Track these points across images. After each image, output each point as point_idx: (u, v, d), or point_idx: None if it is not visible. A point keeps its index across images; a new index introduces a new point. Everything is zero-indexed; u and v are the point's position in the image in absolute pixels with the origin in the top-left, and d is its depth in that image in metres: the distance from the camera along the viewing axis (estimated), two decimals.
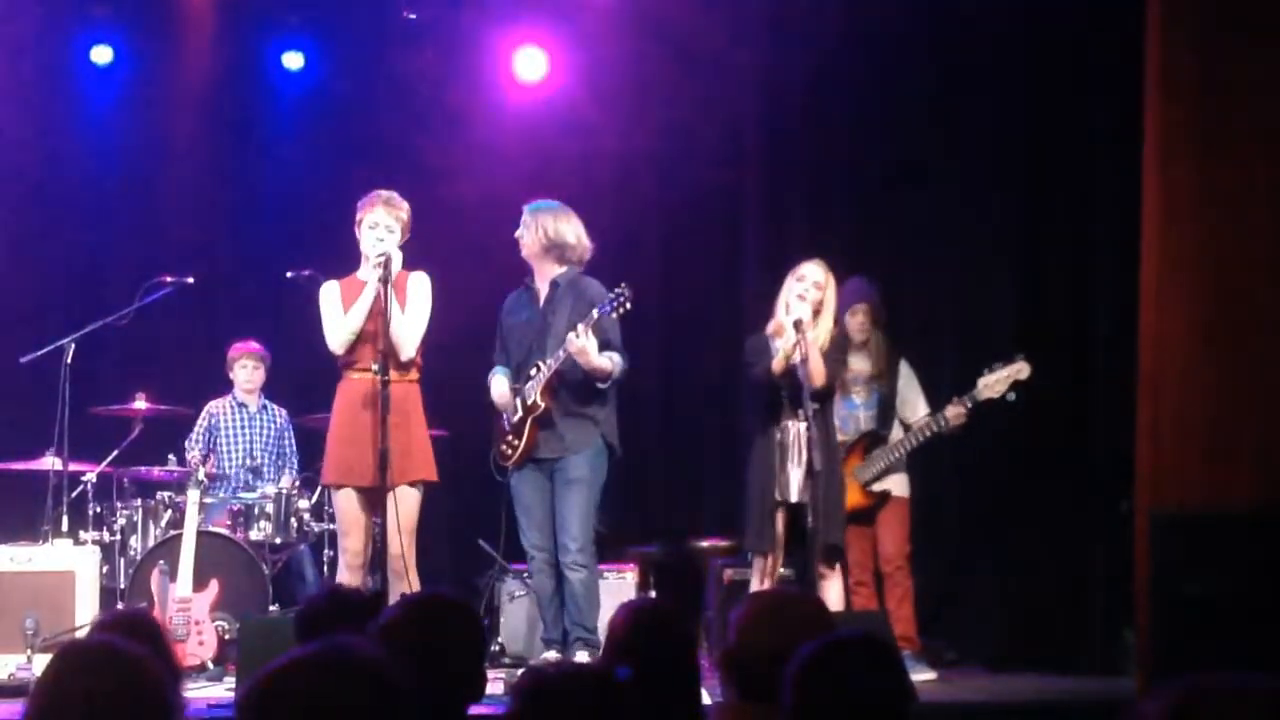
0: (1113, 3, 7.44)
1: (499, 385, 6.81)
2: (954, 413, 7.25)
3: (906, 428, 7.46)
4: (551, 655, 6.63)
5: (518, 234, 6.82)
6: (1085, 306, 8.00)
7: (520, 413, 6.69)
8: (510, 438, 6.74)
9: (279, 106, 9.24)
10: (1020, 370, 7.19)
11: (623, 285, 6.55)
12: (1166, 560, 5.97)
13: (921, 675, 6.86)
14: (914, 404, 7.49)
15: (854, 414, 7.47)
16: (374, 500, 6.40)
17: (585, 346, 6.48)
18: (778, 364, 6.64)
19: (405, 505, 6.42)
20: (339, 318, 6.56)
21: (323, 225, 7.71)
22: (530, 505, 6.74)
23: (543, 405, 6.65)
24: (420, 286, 6.63)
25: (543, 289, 6.82)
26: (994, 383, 7.19)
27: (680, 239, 9.02)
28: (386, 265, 6.38)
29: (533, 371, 6.70)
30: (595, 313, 6.52)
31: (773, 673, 3.02)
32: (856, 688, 2.76)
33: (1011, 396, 7.19)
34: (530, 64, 9.09)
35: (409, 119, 8.99)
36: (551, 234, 6.75)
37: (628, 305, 6.54)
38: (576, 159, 8.71)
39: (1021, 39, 8.25)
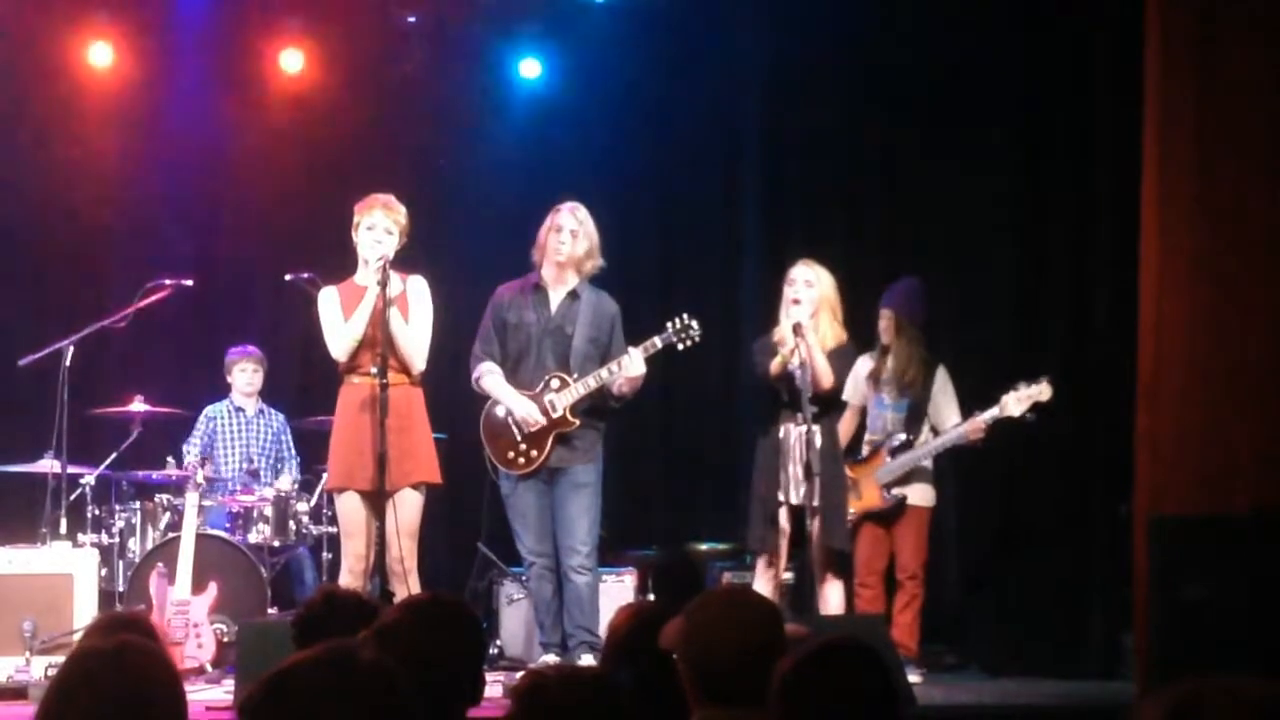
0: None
1: (512, 393, 6.66)
2: (973, 428, 7.21)
3: (936, 435, 7.41)
4: (550, 659, 6.61)
5: (563, 238, 6.62)
6: (1085, 310, 8.00)
7: (544, 424, 6.61)
8: (525, 448, 6.65)
9: (277, 108, 9.22)
10: (1042, 392, 7.12)
11: (686, 317, 6.55)
12: (1165, 564, 5.97)
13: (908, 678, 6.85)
14: (946, 412, 7.42)
15: (883, 414, 7.43)
16: (377, 504, 6.34)
17: (641, 374, 6.50)
18: (774, 367, 6.64)
19: (408, 508, 6.39)
20: (340, 325, 6.50)
21: (321, 228, 7.70)
22: (529, 512, 6.68)
23: (576, 423, 6.59)
24: (421, 293, 6.56)
25: (556, 295, 6.73)
26: (1015, 401, 7.15)
27: (679, 241, 9.02)
28: (384, 269, 6.34)
29: (554, 384, 6.61)
30: (658, 341, 6.55)
31: (734, 673, 3.01)
32: (844, 693, 2.75)
33: (1031, 417, 7.15)
34: (526, 66, 9.12)
35: (407, 122, 8.98)
36: (595, 239, 6.70)
37: (697, 339, 6.58)
38: (574, 161, 8.70)
39: (1021, 37, 8.25)
